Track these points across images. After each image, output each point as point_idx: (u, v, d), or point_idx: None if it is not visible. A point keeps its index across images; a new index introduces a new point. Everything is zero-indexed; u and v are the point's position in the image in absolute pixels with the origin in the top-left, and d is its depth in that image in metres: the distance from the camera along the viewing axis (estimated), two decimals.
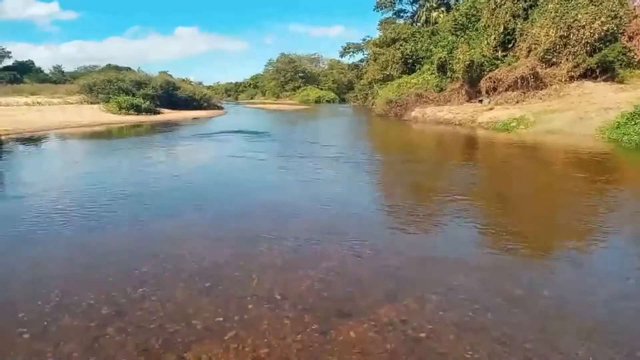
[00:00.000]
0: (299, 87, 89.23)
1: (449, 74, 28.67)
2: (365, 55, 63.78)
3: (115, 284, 3.91)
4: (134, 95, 32.73)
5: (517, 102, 22.01)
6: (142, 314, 3.40)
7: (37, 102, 31.02)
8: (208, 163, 11.26)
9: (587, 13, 20.91)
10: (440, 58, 29.06)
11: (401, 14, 57.62)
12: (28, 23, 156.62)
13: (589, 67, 21.17)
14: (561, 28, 21.76)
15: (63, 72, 76.12)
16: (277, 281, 4.00)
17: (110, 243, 5.05)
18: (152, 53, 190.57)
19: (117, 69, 52.27)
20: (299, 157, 11.54)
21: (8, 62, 73.63)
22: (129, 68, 53.09)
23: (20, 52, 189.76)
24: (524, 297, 3.76)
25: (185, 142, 16.52)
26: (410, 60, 38.81)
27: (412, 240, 5.22)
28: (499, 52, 25.97)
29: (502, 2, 25.99)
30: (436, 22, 42.81)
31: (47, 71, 76.62)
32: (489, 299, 3.75)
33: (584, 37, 21.10)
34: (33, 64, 76.23)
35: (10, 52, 75.33)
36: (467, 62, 25.38)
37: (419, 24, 47.65)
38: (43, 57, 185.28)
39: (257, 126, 23.35)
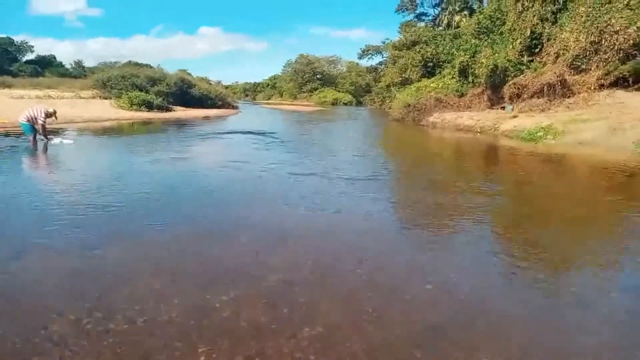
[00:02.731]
0: (316, 89, 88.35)
1: (470, 78, 27.50)
2: (384, 58, 62.90)
3: None
4: (147, 91, 32.14)
5: (543, 110, 20.73)
6: None
7: (49, 96, 30.61)
8: (197, 172, 9.70)
9: (622, 17, 19.53)
10: (462, 62, 27.90)
11: (422, 17, 56.84)
12: (55, 18, 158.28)
13: (621, 75, 19.80)
14: (592, 33, 20.37)
15: (83, 67, 76.42)
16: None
17: (36, 283, 3.81)
18: (176, 52, 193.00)
19: (137, 65, 51.94)
20: (304, 171, 9.83)
21: (31, 56, 74.55)
22: (149, 65, 52.62)
23: (46, 46, 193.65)
24: None
25: (184, 143, 15.24)
26: (431, 64, 37.64)
27: (427, 302, 3.70)
28: (525, 57, 24.68)
29: (530, 5, 24.63)
30: (458, 26, 41.67)
31: (68, 66, 77.11)
32: None
33: (617, 43, 19.71)
34: (54, 58, 77.05)
35: (33, 46, 76.44)
36: (491, 67, 24.17)
37: (440, 27, 46.50)
38: (68, 52, 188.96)
39: (268, 128, 22.10)
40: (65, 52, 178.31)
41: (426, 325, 3.26)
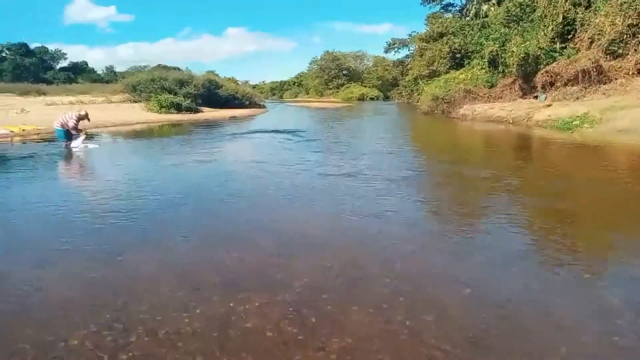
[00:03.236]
0: (342, 85, 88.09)
1: (500, 68, 26.78)
2: (411, 51, 62.03)
3: None
4: (175, 94, 32.45)
5: (578, 98, 20.02)
6: None
7: (80, 101, 31.32)
8: (223, 175, 9.33)
9: None
10: (491, 51, 27.17)
11: (449, 8, 55.73)
12: (87, 26, 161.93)
13: None
14: (630, 16, 19.52)
15: (115, 72, 78.34)
16: None
17: (58, 292, 3.75)
18: (203, 53, 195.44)
19: (166, 68, 52.68)
20: (335, 171, 9.25)
21: (64, 64, 76.85)
22: (178, 68, 53.28)
23: (79, 53, 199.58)
24: None
25: (210, 145, 14.95)
26: (459, 55, 36.94)
27: (465, 309, 3.42)
28: (557, 44, 23.85)
29: None
30: (487, 16, 40.63)
31: (100, 72, 79.02)
32: None
33: None
34: (87, 64, 79.49)
35: (65, 54, 79.03)
36: (522, 55, 23.43)
37: (468, 17, 45.49)
38: (100, 59, 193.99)
39: (294, 126, 21.95)
40: (97, 58, 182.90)
41: (464, 336, 3.01)
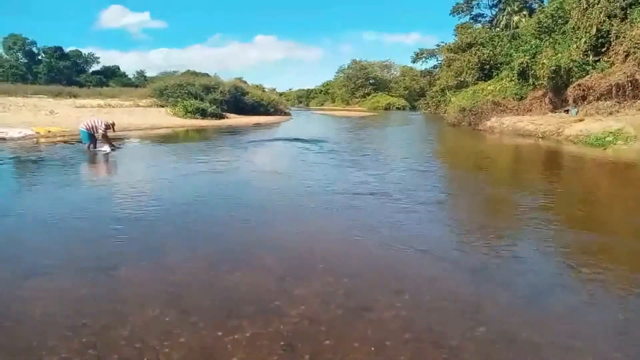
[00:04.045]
0: (369, 94, 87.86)
1: (530, 80, 26.04)
2: (439, 62, 61.47)
3: None
4: (202, 99, 32.70)
5: (611, 114, 19.24)
6: None
7: (109, 105, 31.78)
8: (235, 186, 8.90)
9: None
10: (521, 63, 26.47)
11: (479, 19, 55.30)
12: (121, 31, 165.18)
13: None
14: None
15: (145, 76, 79.53)
16: None
17: (38, 311, 3.49)
18: (232, 60, 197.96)
19: (195, 74, 53.31)
20: (358, 189, 8.45)
21: (96, 67, 78.59)
22: (207, 74, 53.88)
23: (113, 58, 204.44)
24: None
25: (228, 152, 14.69)
26: (487, 66, 36.32)
27: (477, 352, 3.00)
28: (590, 56, 23.06)
29: (596, 1, 23.01)
30: (517, 27, 39.92)
31: (131, 76, 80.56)
32: None
33: None
34: (118, 68, 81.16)
35: (98, 58, 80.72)
36: (553, 68, 22.74)
37: (498, 28, 44.77)
38: (132, 63, 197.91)
39: (317, 135, 21.53)
40: (130, 63, 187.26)
41: None
